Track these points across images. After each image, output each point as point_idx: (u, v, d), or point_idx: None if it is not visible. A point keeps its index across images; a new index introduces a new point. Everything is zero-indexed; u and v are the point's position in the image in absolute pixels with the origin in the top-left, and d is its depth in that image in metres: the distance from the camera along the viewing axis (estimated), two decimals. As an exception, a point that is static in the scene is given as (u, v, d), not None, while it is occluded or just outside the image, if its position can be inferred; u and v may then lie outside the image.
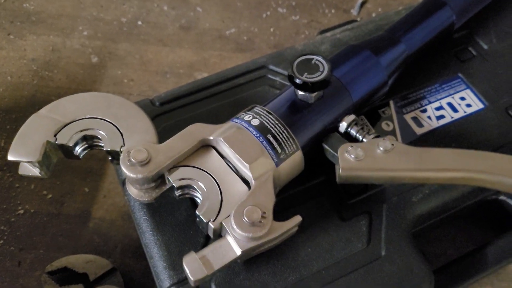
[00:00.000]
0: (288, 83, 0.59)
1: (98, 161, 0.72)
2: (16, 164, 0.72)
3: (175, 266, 0.44)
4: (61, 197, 0.68)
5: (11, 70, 0.87)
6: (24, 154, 0.43)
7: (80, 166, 0.72)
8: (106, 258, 0.59)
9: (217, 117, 0.53)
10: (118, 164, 0.44)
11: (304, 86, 0.44)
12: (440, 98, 0.59)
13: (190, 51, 0.91)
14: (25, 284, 0.61)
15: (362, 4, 1.14)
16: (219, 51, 0.92)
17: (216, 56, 0.91)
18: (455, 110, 0.58)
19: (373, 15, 1.09)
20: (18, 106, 0.81)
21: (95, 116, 0.45)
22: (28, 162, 0.43)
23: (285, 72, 0.61)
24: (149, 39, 0.93)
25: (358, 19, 1.06)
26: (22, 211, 0.67)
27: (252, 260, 0.44)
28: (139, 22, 0.96)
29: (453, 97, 0.59)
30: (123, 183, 0.53)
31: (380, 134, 0.52)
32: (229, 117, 0.47)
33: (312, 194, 0.49)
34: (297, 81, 0.44)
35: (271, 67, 0.61)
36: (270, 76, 0.60)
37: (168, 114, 0.57)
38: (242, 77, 0.60)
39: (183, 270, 0.43)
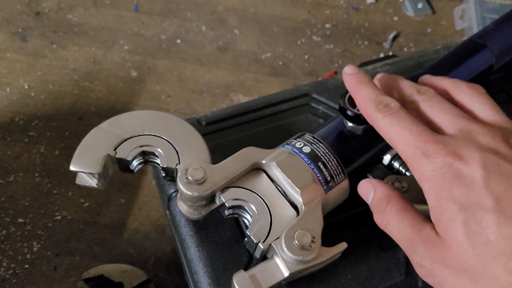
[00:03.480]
0: (331, 113, 0.61)
1: (134, 174, 0.74)
2: (54, 171, 0.75)
3: (219, 283, 0.45)
4: (97, 206, 0.70)
5: (53, 79, 0.89)
6: (86, 166, 0.44)
7: (117, 178, 0.74)
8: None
9: (261, 141, 0.55)
10: (170, 180, 0.45)
11: (355, 119, 0.45)
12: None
13: (227, 72, 0.93)
14: (60, 289, 0.63)
15: (394, 38, 1.16)
16: (255, 74, 0.94)
17: (252, 79, 0.93)
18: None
19: (405, 49, 1.11)
20: (58, 114, 0.83)
21: (152, 134, 0.46)
22: (89, 173, 0.44)
23: (328, 102, 0.62)
24: (187, 57, 0.96)
25: (390, 53, 1.08)
26: (59, 217, 0.69)
27: (294, 282, 0.45)
28: (178, 41, 0.99)
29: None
30: (168, 199, 0.54)
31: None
32: (272, 142, 0.49)
33: (353, 222, 0.50)
34: (349, 113, 0.45)
35: (314, 95, 0.62)
36: (313, 104, 0.62)
37: (213, 135, 0.59)
38: (286, 103, 0.62)
39: (227, 287, 0.44)
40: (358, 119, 0.45)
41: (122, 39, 0.98)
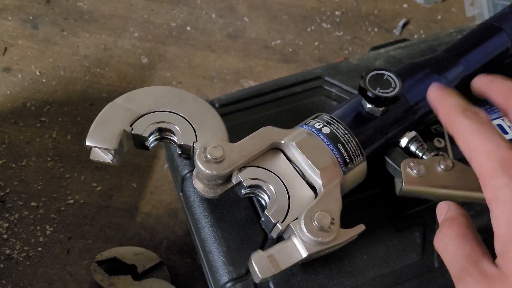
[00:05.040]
0: (344, 96, 0.60)
1: (146, 158, 0.74)
2: (67, 155, 0.75)
3: (234, 262, 0.46)
4: (109, 190, 0.70)
5: (64, 65, 0.89)
6: (102, 141, 0.44)
7: (129, 162, 0.74)
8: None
9: (274, 123, 0.54)
10: (186, 158, 0.45)
11: (375, 100, 0.45)
12: (491, 120, 0.60)
13: (237, 59, 0.93)
14: (73, 272, 0.63)
15: (404, 25, 1.16)
16: (265, 61, 0.94)
17: (262, 65, 0.93)
18: (504, 131, 0.59)
19: (415, 36, 1.11)
20: (70, 100, 0.84)
21: (169, 110, 0.46)
22: (105, 149, 0.44)
23: (341, 84, 0.62)
24: (197, 44, 0.96)
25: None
26: (72, 201, 0.69)
27: (309, 262, 0.45)
28: (188, 28, 0.99)
29: (503, 119, 0.60)
30: (182, 179, 0.54)
31: (432, 150, 0.53)
32: (285, 124, 0.49)
33: (368, 203, 0.50)
34: (370, 94, 0.45)
35: (327, 78, 0.62)
36: (326, 87, 0.62)
37: (226, 117, 0.59)
38: (299, 85, 0.62)
39: (242, 267, 0.45)
40: (379, 100, 0.45)
41: (132, 26, 0.98)
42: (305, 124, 0.47)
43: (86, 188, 0.71)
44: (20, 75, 0.88)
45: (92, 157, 0.47)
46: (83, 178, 0.72)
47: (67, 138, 0.78)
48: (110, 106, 0.47)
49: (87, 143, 0.45)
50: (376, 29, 1.07)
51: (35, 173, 0.73)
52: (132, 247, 0.61)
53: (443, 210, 0.34)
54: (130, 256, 0.60)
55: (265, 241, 0.47)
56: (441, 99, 0.34)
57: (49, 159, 0.75)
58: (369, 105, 0.47)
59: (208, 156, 0.43)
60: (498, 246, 0.26)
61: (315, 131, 0.45)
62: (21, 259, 0.65)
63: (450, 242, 0.29)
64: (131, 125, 0.46)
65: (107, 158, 0.46)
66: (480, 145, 0.28)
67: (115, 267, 0.60)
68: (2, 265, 0.64)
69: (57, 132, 0.80)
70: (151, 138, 0.47)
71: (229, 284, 0.45)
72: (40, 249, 0.65)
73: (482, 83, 0.35)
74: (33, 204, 0.70)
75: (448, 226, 0.31)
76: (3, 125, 0.80)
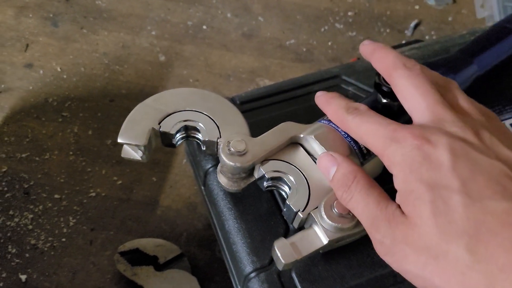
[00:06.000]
0: (360, 94, 0.62)
1: (165, 154, 0.77)
2: (88, 150, 0.77)
3: (258, 253, 0.47)
4: (130, 184, 0.73)
5: (84, 62, 0.92)
6: (133, 138, 0.46)
7: (148, 157, 0.76)
8: (173, 244, 0.63)
9: (292, 120, 0.56)
10: (210, 154, 0.47)
11: (390, 94, 0.47)
12: (503, 120, 0.62)
13: (252, 58, 0.95)
14: (96, 262, 0.65)
15: (416, 26, 1.17)
16: (280, 60, 0.96)
17: (277, 64, 0.95)
18: (518, 132, 0.60)
19: (426, 37, 1.12)
20: (91, 96, 0.86)
21: (194, 109, 0.49)
22: (135, 145, 0.46)
23: (358, 83, 0.64)
24: (213, 43, 0.98)
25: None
26: (93, 194, 0.72)
27: (330, 252, 0.47)
28: (204, 27, 1.01)
29: (515, 120, 0.62)
30: (205, 174, 0.56)
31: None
32: (303, 121, 0.50)
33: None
34: (384, 89, 0.47)
35: (344, 77, 0.64)
36: (343, 85, 0.64)
37: (246, 114, 0.60)
38: (317, 84, 0.64)
39: (265, 257, 0.46)
40: (393, 95, 0.47)
41: (149, 25, 1.00)
42: (324, 119, 0.49)
43: (107, 181, 0.73)
44: (41, 71, 0.90)
45: (123, 154, 0.50)
46: (104, 172, 0.74)
47: (88, 133, 0.81)
48: (140, 106, 0.50)
49: (119, 140, 0.47)
50: (388, 30, 1.08)
51: (57, 167, 0.76)
52: (154, 239, 0.63)
53: (331, 163, 0.37)
54: (152, 247, 0.62)
55: (287, 232, 0.49)
56: (326, 104, 0.40)
57: (71, 153, 0.78)
58: (384, 100, 0.49)
59: (232, 149, 0.45)
60: (399, 197, 0.30)
61: (334, 125, 0.47)
62: (46, 249, 0.67)
63: (358, 194, 0.33)
64: (159, 123, 0.48)
65: (137, 155, 0.49)
66: (368, 130, 0.33)
67: (137, 258, 0.62)
68: (27, 255, 0.66)
69: (78, 127, 0.82)
70: (178, 136, 0.49)
71: (253, 274, 0.47)
72: (64, 239, 0.68)
73: (366, 52, 0.40)
74: (56, 196, 0.72)
75: (352, 179, 0.34)
76: (26, 120, 0.82)
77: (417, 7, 1.16)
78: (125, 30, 0.99)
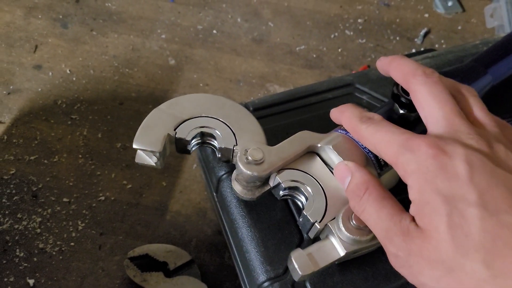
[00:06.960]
0: (374, 103, 0.62)
1: (175, 158, 0.76)
2: (97, 153, 0.77)
3: (272, 262, 0.47)
4: (140, 188, 0.72)
5: (94, 65, 0.91)
6: (148, 144, 0.46)
7: (158, 162, 0.76)
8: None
9: (306, 128, 0.56)
10: (226, 161, 0.47)
11: (408, 105, 0.46)
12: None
13: (262, 63, 0.95)
14: (105, 267, 0.65)
15: (426, 35, 1.17)
16: (289, 65, 0.96)
17: (287, 70, 0.95)
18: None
19: (436, 45, 1.12)
20: (100, 98, 0.86)
21: (210, 116, 0.48)
22: (150, 151, 0.46)
23: (371, 92, 0.63)
24: (223, 47, 0.97)
25: (422, 49, 1.09)
26: (103, 198, 0.71)
27: (345, 263, 0.46)
28: (214, 31, 1.01)
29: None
30: (218, 180, 0.56)
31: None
32: (316, 129, 0.50)
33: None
34: (403, 100, 0.46)
35: (358, 85, 0.64)
36: (357, 94, 0.63)
37: (259, 120, 0.60)
38: (330, 92, 0.63)
39: (279, 267, 0.46)
40: (411, 106, 0.47)
41: (159, 28, 1.00)
42: (340, 128, 0.49)
43: (117, 185, 0.73)
44: (50, 73, 0.90)
45: (137, 160, 0.49)
46: (114, 176, 0.74)
47: (97, 136, 0.80)
48: (155, 112, 0.49)
49: (134, 145, 0.47)
50: (398, 38, 1.08)
51: (66, 170, 0.75)
52: (164, 245, 0.63)
53: (346, 173, 0.37)
54: (162, 253, 0.61)
55: (301, 242, 0.49)
56: (340, 114, 0.39)
57: (80, 156, 0.77)
58: (401, 111, 0.48)
59: (249, 158, 0.44)
60: (414, 209, 0.29)
61: (351, 135, 0.47)
62: (54, 253, 0.66)
63: (370, 206, 0.32)
64: (174, 129, 0.47)
65: (151, 161, 0.48)
66: (381, 139, 0.33)
67: (146, 263, 0.62)
68: (35, 259, 0.66)
69: (87, 130, 0.82)
70: (193, 142, 0.48)
71: (266, 283, 0.46)
72: (72, 244, 0.67)
73: (383, 64, 0.40)
74: (65, 199, 0.72)
75: (364, 190, 0.34)
76: (34, 122, 0.82)
77: (426, 15, 1.16)
78: (135, 33, 0.99)
